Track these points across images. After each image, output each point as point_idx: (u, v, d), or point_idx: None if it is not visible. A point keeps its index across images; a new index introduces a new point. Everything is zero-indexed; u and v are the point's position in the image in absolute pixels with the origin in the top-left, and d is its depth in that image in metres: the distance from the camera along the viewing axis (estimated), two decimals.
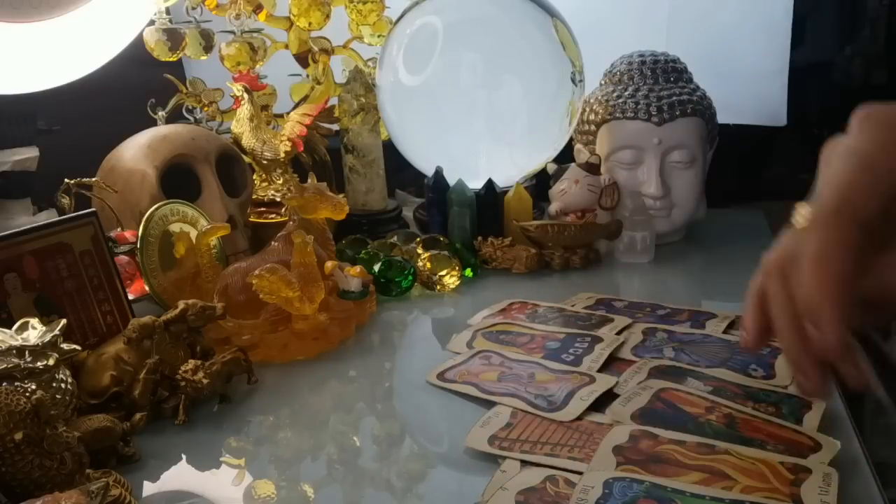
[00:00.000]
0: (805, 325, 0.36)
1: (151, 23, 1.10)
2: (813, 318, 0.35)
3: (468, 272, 1.00)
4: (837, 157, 0.36)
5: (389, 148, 1.18)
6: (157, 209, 0.85)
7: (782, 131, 1.27)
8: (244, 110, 1.07)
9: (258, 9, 1.13)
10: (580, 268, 1.02)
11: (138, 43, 1.10)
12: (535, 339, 0.79)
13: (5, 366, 0.58)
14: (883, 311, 0.35)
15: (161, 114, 1.11)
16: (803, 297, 0.35)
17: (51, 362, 0.60)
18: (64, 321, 0.63)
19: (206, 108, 1.16)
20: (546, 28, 1.07)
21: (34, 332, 0.61)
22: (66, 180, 0.92)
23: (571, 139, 1.15)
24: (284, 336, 0.79)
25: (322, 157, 1.15)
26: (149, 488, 0.59)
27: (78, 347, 0.64)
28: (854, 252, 0.34)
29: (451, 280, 0.96)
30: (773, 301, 0.38)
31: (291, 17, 1.14)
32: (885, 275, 0.35)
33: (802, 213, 0.36)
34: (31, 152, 1.04)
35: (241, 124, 1.08)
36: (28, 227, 0.73)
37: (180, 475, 0.61)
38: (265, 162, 1.09)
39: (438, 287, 0.96)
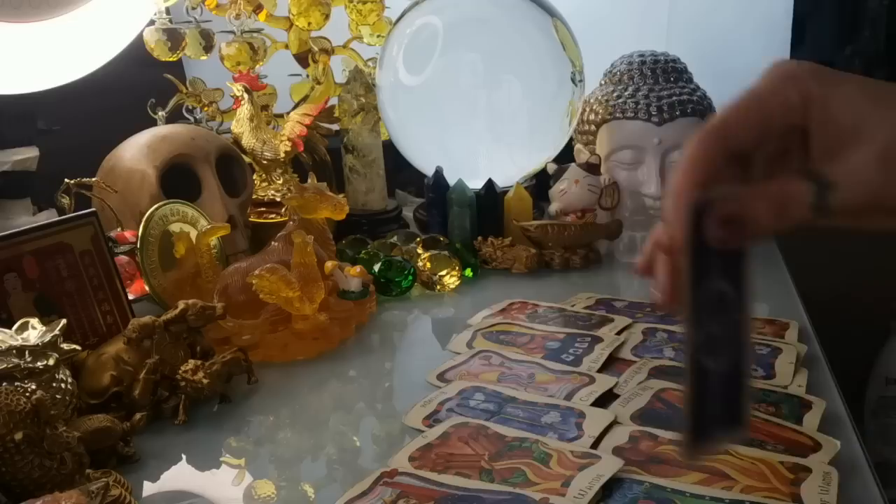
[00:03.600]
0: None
1: (151, 23, 1.10)
2: (666, 222, 0.40)
3: (468, 272, 1.00)
4: (737, 96, 0.39)
5: (389, 148, 1.18)
6: (157, 209, 0.85)
7: None
8: (244, 110, 1.07)
9: (258, 9, 1.13)
10: (580, 268, 1.02)
11: (138, 43, 1.10)
12: (534, 340, 0.79)
13: (5, 366, 0.58)
14: (740, 233, 0.38)
15: (161, 114, 1.11)
16: (664, 207, 0.41)
17: (51, 362, 0.60)
18: (64, 321, 0.63)
19: (206, 108, 1.16)
20: (546, 28, 1.07)
21: (34, 332, 0.61)
22: (66, 180, 0.92)
23: (571, 139, 1.15)
24: (284, 336, 0.79)
25: (322, 157, 1.15)
26: (149, 488, 0.59)
27: (78, 347, 0.64)
28: (714, 165, 0.38)
29: (451, 280, 0.96)
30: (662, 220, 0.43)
31: (291, 16, 1.14)
32: (749, 204, 0.38)
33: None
34: (31, 152, 1.04)
35: (241, 124, 1.08)
36: (28, 227, 0.73)
37: (180, 475, 0.61)
38: (265, 162, 1.09)
39: (438, 287, 0.96)
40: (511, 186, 1.08)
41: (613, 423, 0.61)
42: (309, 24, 1.14)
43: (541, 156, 1.12)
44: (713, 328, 0.38)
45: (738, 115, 0.39)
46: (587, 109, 1.11)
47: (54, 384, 0.61)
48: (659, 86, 1.07)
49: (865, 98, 0.38)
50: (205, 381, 0.67)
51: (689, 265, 0.38)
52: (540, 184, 1.14)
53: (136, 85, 1.12)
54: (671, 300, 0.42)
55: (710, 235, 0.38)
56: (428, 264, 0.96)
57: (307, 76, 1.22)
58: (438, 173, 1.08)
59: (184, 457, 0.63)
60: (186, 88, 1.16)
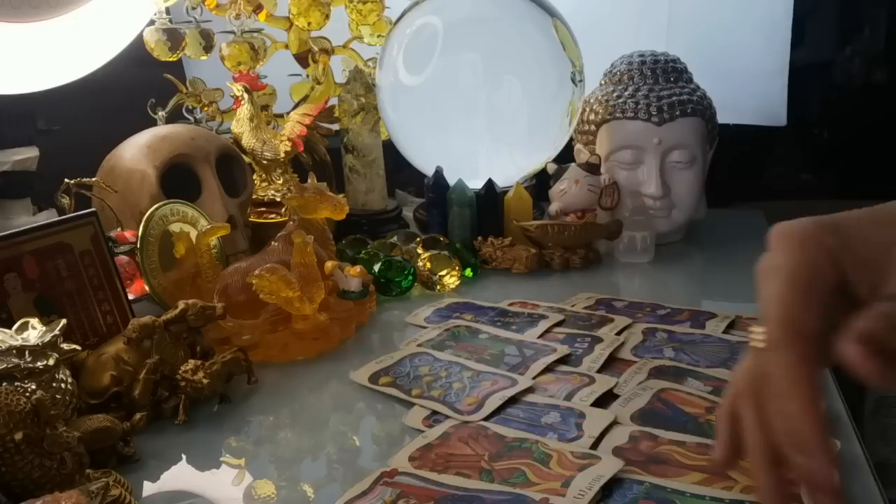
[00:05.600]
0: (788, 453, 0.36)
1: (151, 23, 1.10)
2: (799, 446, 0.36)
3: (468, 272, 1.00)
4: (767, 278, 0.38)
5: (389, 148, 1.18)
6: (157, 209, 0.85)
7: (782, 131, 1.27)
8: (244, 110, 1.07)
9: (258, 9, 1.13)
10: (580, 268, 1.02)
11: (138, 43, 1.10)
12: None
13: (5, 366, 0.58)
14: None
15: (161, 114, 1.11)
16: (785, 425, 0.36)
17: (51, 362, 0.60)
18: (64, 321, 0.63)
19: (206, 108, 1.16)
20: (546, 28, 1.07)
21: (34, 332, 0.61)
22: (66, 180, 0.92)
23: (571, 139, 1.15)
24: (284, 336, 0.79)
25: (322, 157, 1.15)
26: (149, 488, 0.59)
27: (78, 347, 0.64)
28: (815, 365, 0.36)
29: (451, 280, 0.96)
30: (748, 426, 0.39)
31: (291, 16, 1.14)
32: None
33: (757, 333, 0.38)
34: (31, 152, 1.04)
35: (241, 124, 1.08)
36: (28, 227, 0.73)
37: (180, 475, 0.61)
38: (265, 162, 1.09)
39: (438, 287, 0.96)
40: (511, 186, 1.08)
41: (613, 424, 0.61)
42: (309, 24, 1.14)
43: (541, 156, 1.12)
44: None
45: (794, 304, 0.36)
46: (587, 109, 1.11)
47: (54, 384, 0.61)
48: (659, 86, 1.07)
49: (873, 226, 0.38)
50: (205, 381, 0.67)
51: None
52: (540, 184, 1.14)
53: (136, 85, 1.13)
54: (729, 465, 0.40)
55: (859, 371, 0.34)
56: (428, 264, 0.96)
57: (307, 76, 1.22)
58: (438, 173, 1.08)
59: (184, 457, 0.63)
60: (186, 88, 1.16)
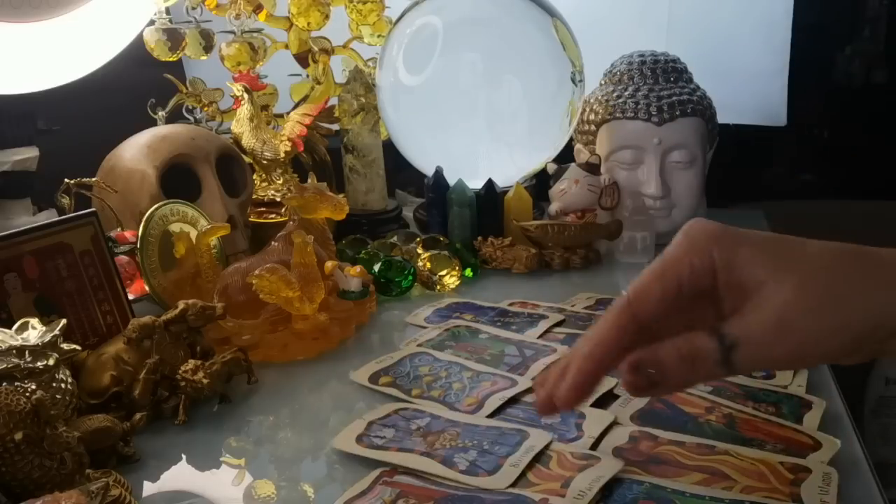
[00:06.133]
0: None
1: (151, 23, 1.10)
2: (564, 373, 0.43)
3: (468, 272, 1.00)
4: (651, 264, 0.43)
5: (389, 148, 1.18)
6: (157, 209, 0.85)
7: (782, 131, 1.27)
8: (244, 110, 1.07)
9: (258, 9, 1.13)
10: (580, 268, 1.02)
11: (138, 43, 1.10)
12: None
13: (5, 366, 0.58)
14: (655, 382, 0.42)
15: (161, 114, 1.11)
16: (574, 353, 0.43)
17: (51, 362, 0.60)
18: (64, 321, 0.63)
19: (206, 108, 1.16)
20: (546, 28, 1.07)
21: (34, 332, 0.61)
22: (66, 180, 0.92)
23: (571, 139, 1.15)
24: (284, 336, 0.79)
25: (322, 157, 1.15)
26: (149, 488, 0.59)
27: (78, 347, 0.64)
28: (618, 335, 0.42)
29: (451, 280, 0.96)
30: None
31: (291, 16, 1.14)
32: (661, 355, 0.42)
33: None
34: (31, 152, 1.04)
35: (241, 124, 1.08)
36: (28, 227, 0.73)
37: (180, 475, 0.61)
38: (265, 162, 1.09)
39: (438, 287, 0.96)
40: (511, 186, 1.08)
41: (613, 424, 0.61)
42: (309, 24, 1.14)
43: (541, 156, 1.12)
44: None
45: (648, 288, 0.41)
46: (587, 109, 1.11)
47: (54, 384, 0.61)
48: (659, 86, 1.07)
49: (766, 259, 0.40)
50: (205, 381, 0.67)
51: None
52: (540, 184, 1.14)
53: (136, 85, 1.12)
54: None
55: (623, 380, 0.42)
56: (428, 264, 0.96)
57: (307, 76, 1.22)
58: (438, 173, 1.08)
59: (184, 457, 0.63)
60: (186, 88, 1.16)
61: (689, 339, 0.41)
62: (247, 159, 1.08)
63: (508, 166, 1.11)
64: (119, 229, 0.91)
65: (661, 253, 0.42)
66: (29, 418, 0.51)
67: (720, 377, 0.42)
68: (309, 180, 0.93)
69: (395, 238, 1.04)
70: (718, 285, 0.41)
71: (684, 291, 0.41)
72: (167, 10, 1.10)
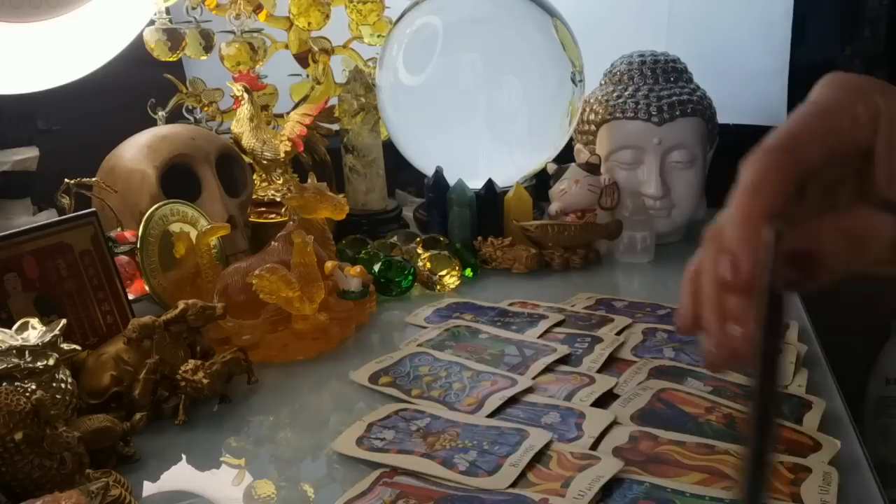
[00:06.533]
0: (726, 294, 0.34)
1: (151, 23, 1.10)
2: (731, 255, 0.33)
3: (468, 272, 1.00)
4: (797, 109, 0.35)
5: (389, 148, 1.18)
6: (157, 209, 0.85)
7: None
8: (244, 110, 1.07)
9: (258, 9, 1.13)
10: (580, 268, 1.02)
11: (138, 43, 1.10)
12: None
13: (5, 366, 0.58)
14: (813, 274, 0.34)
15: (161, 114, 1.11)
16: (726, 235, 0.34)
17: (51, 362, 0.60)
18: (64, 321, 0.63)
19: (206, 108, 1.16)
20: (546, 28, 1.07)
21: (34, 332, 0.61)
22: (66, 180, 0.92)
23: (571, 139, 1.15)
24: (284, 336, 0.79)
25: (322, 157, 1.15)
26: (149, 488, 0.59)
27: (78, 347, 0.64)
28: (788, 187, 0.33)
29: (451, 280, 0.96)
30: (702, 267, 0.36)
31: (291, 16, 1.14)
32: (822, 238, 0.33)
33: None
34: (31, 152, 1.04)
35: (241, 124, 1.08)
36: (28, 227, 0.73)
37: (180, 475, 0.61)
38: (265, 162, 1.09)
39: (438, 287, 0.96)
40: (511, 186, 1.08)
41: (613, 424, 0.61)
42: (309, 24, 1.14)
43: (541, 156, 1.12)
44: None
45: (809, 128, 0.33)
46: (587, 109, 1.11)
47: (54, 384, 0.61)
48: (659, 86, 1.07)
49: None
50: (205, 381, 0.67)
51: (766, 312, 0.32)
52: (540, 184, 1.14)
53: (136, 85, 1.12)
54: (690, 324, 0.35)
55: (777, 275, 0.32)
56: (428, 264, 0.96)
57: (307, 76, 1.22)
58: (438, 173, 1.08)
59: (184, 457, 0.63)
60: (186, 88, 1.15)
61: (855, 214, 0.33)
62: (247, 159, 1.08)
63: (508, 166, 1.11)
64: (119, 229, 0.91)
65: (812, 98, 0.34)
66: (29, 418, 0.51)
67: (891, 265, 0.33)
68: (309, 180, 0.93)
69: (395, 238, 1.04)
70: (881, 142, 0.33)
71: (844, 143, 0.33)
72: (167, 10, 1.10)
